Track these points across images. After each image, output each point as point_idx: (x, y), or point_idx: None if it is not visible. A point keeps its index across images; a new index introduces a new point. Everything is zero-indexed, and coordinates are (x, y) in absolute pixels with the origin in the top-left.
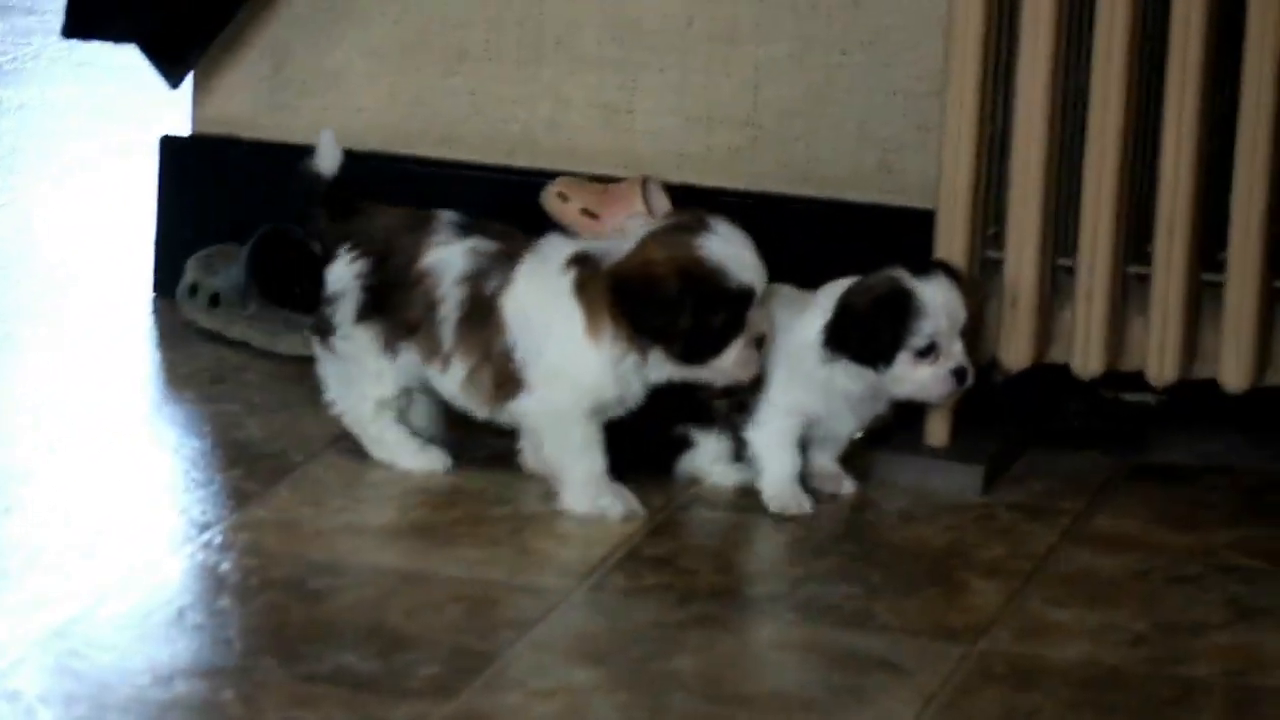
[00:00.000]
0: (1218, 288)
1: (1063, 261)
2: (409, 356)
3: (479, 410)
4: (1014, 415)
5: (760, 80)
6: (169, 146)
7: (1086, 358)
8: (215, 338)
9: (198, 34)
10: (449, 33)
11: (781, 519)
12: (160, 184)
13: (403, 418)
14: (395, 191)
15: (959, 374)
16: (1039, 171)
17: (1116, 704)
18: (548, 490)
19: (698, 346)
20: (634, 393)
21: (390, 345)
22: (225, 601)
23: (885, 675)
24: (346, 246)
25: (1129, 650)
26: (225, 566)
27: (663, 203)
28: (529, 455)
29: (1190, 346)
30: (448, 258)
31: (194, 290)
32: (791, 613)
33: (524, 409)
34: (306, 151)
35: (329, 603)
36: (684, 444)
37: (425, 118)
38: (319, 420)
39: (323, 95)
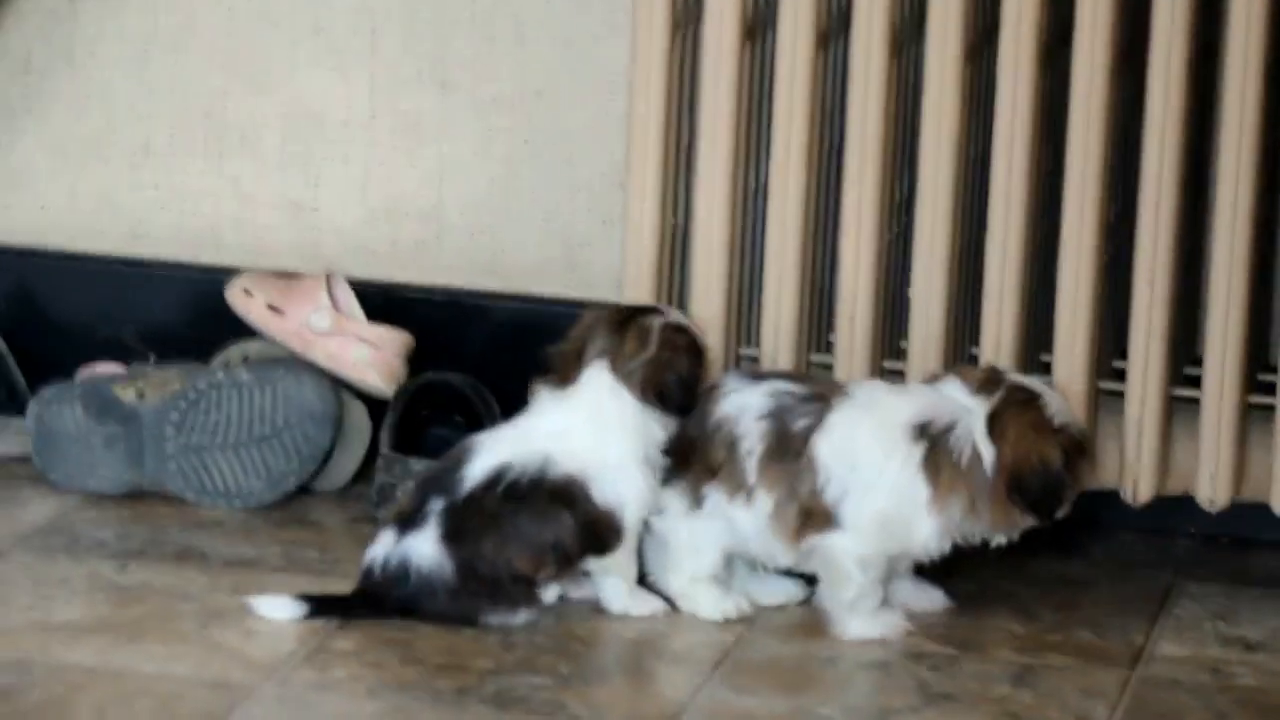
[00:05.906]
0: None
1: (746, 351)
2: (715, 500)
3: (781, 548)
4: None
5: (445, 173)
6: None
7: None
8: None
9: None
10: (132, 126)
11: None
12: None
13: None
14: (82, 289)
15: None
16: (721, 262)
17: None
18: (236, 585)
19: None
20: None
21: (695, 494)
22: None
23: None
24: None
25: None
26: None
27: (348, 298)
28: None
29: None
30: (744, 400)
31: None
32: (481, 705)
33: (836, 546)
34: None
35: (16, 700)
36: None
37: (110, 214)
38: (8, 518)
39: (4, 194)
